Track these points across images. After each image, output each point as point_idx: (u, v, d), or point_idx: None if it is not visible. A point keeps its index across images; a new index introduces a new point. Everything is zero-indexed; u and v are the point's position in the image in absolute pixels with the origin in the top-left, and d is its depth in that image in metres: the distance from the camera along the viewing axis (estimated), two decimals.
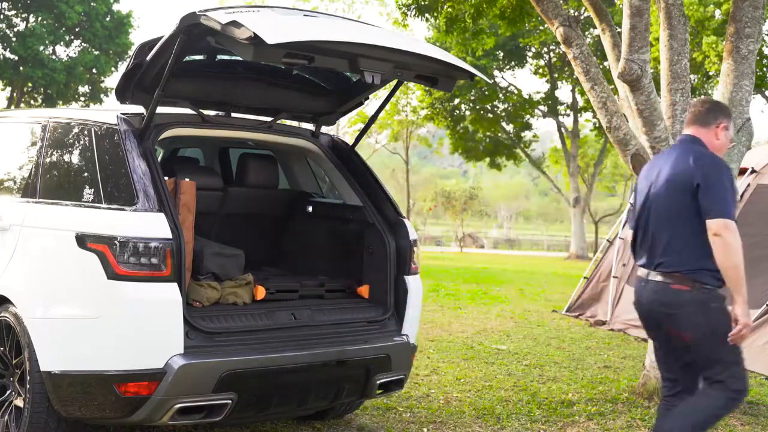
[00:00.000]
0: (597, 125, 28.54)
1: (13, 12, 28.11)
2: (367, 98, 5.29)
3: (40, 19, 27.37)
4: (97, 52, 28.57)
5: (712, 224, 3.84)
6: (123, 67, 7.32)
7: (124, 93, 4.33)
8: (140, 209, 3.94)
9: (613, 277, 9.87)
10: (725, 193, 3.85)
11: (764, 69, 20.87)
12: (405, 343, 4.67)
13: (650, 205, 4.09)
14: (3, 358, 4.31)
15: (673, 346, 4.09)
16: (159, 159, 4.63)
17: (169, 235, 3.90)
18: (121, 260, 3.83)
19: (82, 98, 29.87)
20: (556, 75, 28.45)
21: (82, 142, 4.43)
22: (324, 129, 5.21)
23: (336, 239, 5.09)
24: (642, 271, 4.11)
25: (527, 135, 30.66)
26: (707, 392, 3.99)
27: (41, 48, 26.76)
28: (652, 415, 5.54)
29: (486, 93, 28.03)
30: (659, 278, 4.02)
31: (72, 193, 4.29)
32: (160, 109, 4.27)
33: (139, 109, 4.37)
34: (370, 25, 4.54)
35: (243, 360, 4.00)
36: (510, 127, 29.92)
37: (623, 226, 10.28)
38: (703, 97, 4.37)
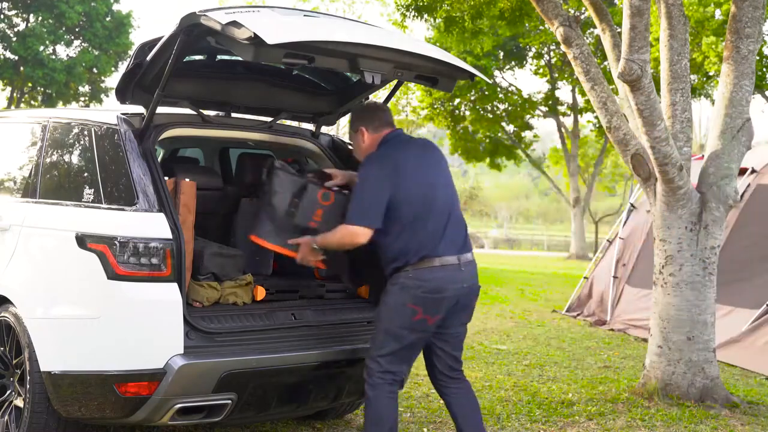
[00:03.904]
0: (597, 125, 28.54)
1: (13, 12, 28.11)
2: (367, 98, 5.29)
3: (40, 19, 27.37)
4: (97, 52, 28.57)
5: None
6: (123, 67, 7.34)
7: (124, 93, 4.32)
8: (140, 209, 3.95)
9: (613, 277, 9.87)
10: None
11: (764, 69, 20.86)
12: None
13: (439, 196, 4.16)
14: (3, 358, 4.31)
15: (464, 323, 4.28)
16: (159, 159, 4.63)
17: (169, 235, 3.90)
18: (121, 260, 3.83)
19: (82, 98, 29.88)
20: (557, 75, 28.44)
21: (82, 143, 4.43)
22: (324, 129, 5.21)
23: None
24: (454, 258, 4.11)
25: (527, 135, 30.64)
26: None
27: (41, 48, 26.75)
28: (653, 415, 5.54)
29: (486, 93, 28.00)
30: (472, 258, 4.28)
31: (72, 193, 4.30)
32: (160, 109, 4.27)
33: (139, 109, 4.37)
34: (370, 25, 4.54)
35: (243, 360, 4.00)
36: (510, 128, 29.90)
37: (623, 226, 10.29)
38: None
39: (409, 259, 4.02)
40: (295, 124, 5.86)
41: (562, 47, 6.54)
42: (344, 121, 32.74)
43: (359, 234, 4.03)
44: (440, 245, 4.04)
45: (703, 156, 6.50)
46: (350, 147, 4.54)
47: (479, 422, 4.26)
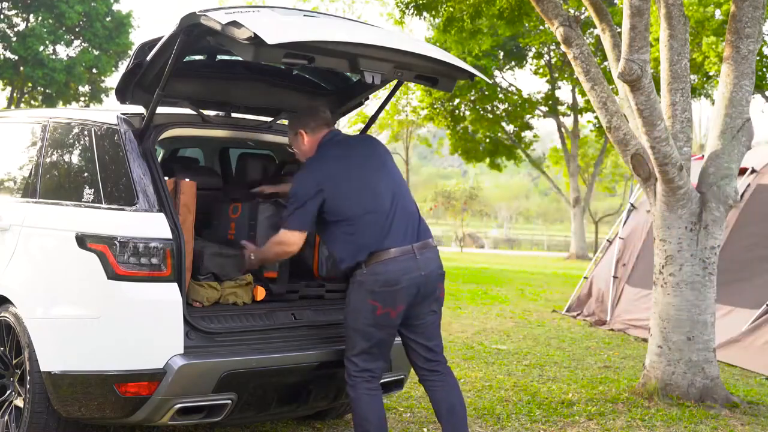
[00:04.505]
0: (597, 125, 28.55)
1: (13, 12, 28.12)
2: (367, 98, 5.29)
3: (40, 19, 27.38)
4: (97, 52, 28.59)
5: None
6: (123, 67, 7.33)
7: (124, 93, 4.32)
8: (140, 209, 3.95)
9: (613, 277, 9.87)
10: None
11: (764, 69, 20.87)
12: None
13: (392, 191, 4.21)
14: (3, 358, 4.31)
15: (434, 311, 4.24)
16: (159, 159, 4.63)
17: (169, 235, 3.90)
18: (121, 260, 3.83)
19: (82, 98, 29.89)
20: (556, 75, 28.45)
21: (82, 143, 4.43)
22: None
23: None
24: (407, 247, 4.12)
25: (527, 135, 30.66)
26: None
27: (41, 48, 26.76)
28: (653, 415, 5.54)
29: (486, 93, 28.02)
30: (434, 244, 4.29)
31: (72, 193, 4.30)
32: (160, 109, 4.27)
33: (139, 109, 4.37)
34: (370, 25, 4.54)
35: (243, 360, 4.00)
36: (510, 128, 29.91)
37: (623, 226, 10.29)
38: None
39: (359, 257, 4.06)
40: None
41: (562, 47, 6.54)
42: (344, 121, 32.82)
43: (288, 238, 4.13)
44: (388, 238, 4.07)
45: (703, 156, 6.50)
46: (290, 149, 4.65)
47: (459, 421, 4.20)
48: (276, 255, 4.28)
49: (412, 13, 11.71)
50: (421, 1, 11.39)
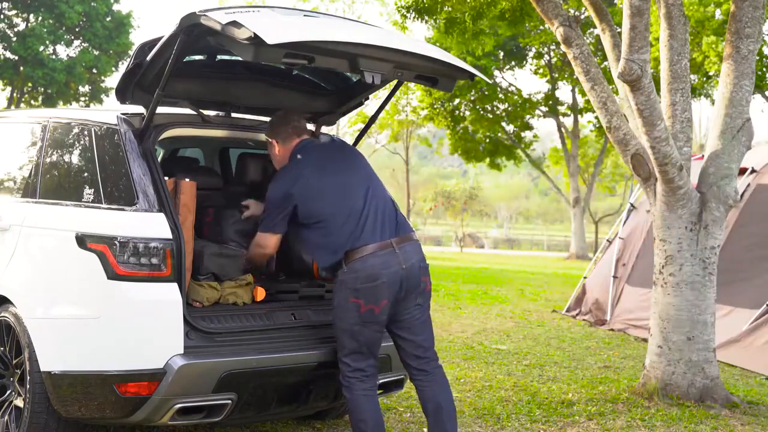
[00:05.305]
0: (597, 125, 28.55)
1: (13, 12, 28.13)
2: (368, 98, 5.28)
3: (40, 19, 27.38)
4: (97, 52, 28.59)
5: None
6: (123, 67, 7.35)
7: (124, 93, 4.32)
8: (140, 209, 3.95)
9: (613, 277, 9.87)
10: None
11: (764, 69, 20.88)
12: None
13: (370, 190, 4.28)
14: (3, 358, 4.32)
15: (419, 304, 4.22)
16: (159, 159, 4.63)
17: (169, 235, 3.90)
18: (121, 260, 3.83)
19: (82, 98, 29.89)
20: (557, 75, 28.45)
21: (82, 143, 4.43)
22: (324, 129, 5.20)
23: None
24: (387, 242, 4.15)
25: (527, 135, 30.66)
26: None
27: (41, 48, 26.77)
28: (653, 415, 5.54)
29: (486, 93, 28.02)
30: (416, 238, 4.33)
31: (72, 193, 4.30)
32: (160, 109, 4.27)
33: (139, 109, 4.37)
34: (370, 25, 4.54)
35: (243, 360, 4.00)
36: (510, 128, 29.91)
37: (623, 226, 10.29)
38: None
39: (337, 257, 4.11)
40: None
41: (562, 47, 6.54)
42: (344, 121, 32.82)
43: (262, 240, 4.27)
44: (363, 235, 4.11)
45: (703, 156, 6.50)
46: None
47: (446, 420, 4.19)
48: (255, 256, 4.36)
49: (414, 17, 11.70)
50: (421, 5, 11.37)
